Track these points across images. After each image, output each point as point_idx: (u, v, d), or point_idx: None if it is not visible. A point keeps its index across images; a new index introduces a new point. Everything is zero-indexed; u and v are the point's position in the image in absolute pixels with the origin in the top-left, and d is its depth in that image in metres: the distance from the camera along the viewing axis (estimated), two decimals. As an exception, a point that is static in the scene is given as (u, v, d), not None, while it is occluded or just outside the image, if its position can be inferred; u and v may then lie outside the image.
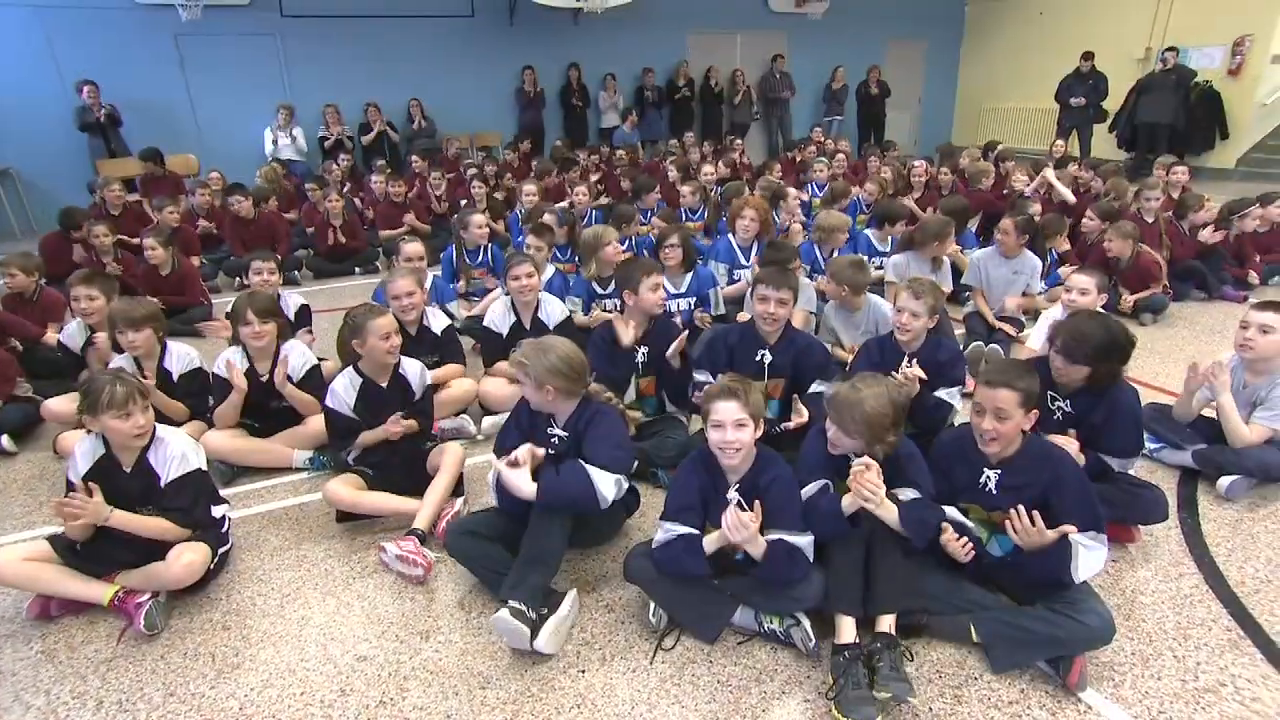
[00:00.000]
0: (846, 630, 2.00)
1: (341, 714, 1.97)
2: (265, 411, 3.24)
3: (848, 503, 2.08)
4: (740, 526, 1.98)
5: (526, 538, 2.21)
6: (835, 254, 4.74)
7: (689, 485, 2.19)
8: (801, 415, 2.84)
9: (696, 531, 2.13)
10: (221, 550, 2.52)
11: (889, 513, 2.05)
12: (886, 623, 2.01)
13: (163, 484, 2.37)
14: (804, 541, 2.07)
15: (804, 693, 1.99)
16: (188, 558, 2.34)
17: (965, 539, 2.09)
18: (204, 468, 2.50)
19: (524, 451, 2.27)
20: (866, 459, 2.08)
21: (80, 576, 2.33)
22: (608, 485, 2.22)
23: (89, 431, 2.37)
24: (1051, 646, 1.98)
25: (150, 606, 2.27)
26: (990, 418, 2.07)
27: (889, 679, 1.85)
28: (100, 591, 2.32)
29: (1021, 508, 2.01)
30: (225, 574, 2.56)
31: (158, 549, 2.36)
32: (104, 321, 3.29)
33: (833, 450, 2.20)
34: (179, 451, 2.41)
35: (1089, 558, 2.00)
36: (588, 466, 2.22)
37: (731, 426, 2.06)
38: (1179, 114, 9.59)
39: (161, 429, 2.43)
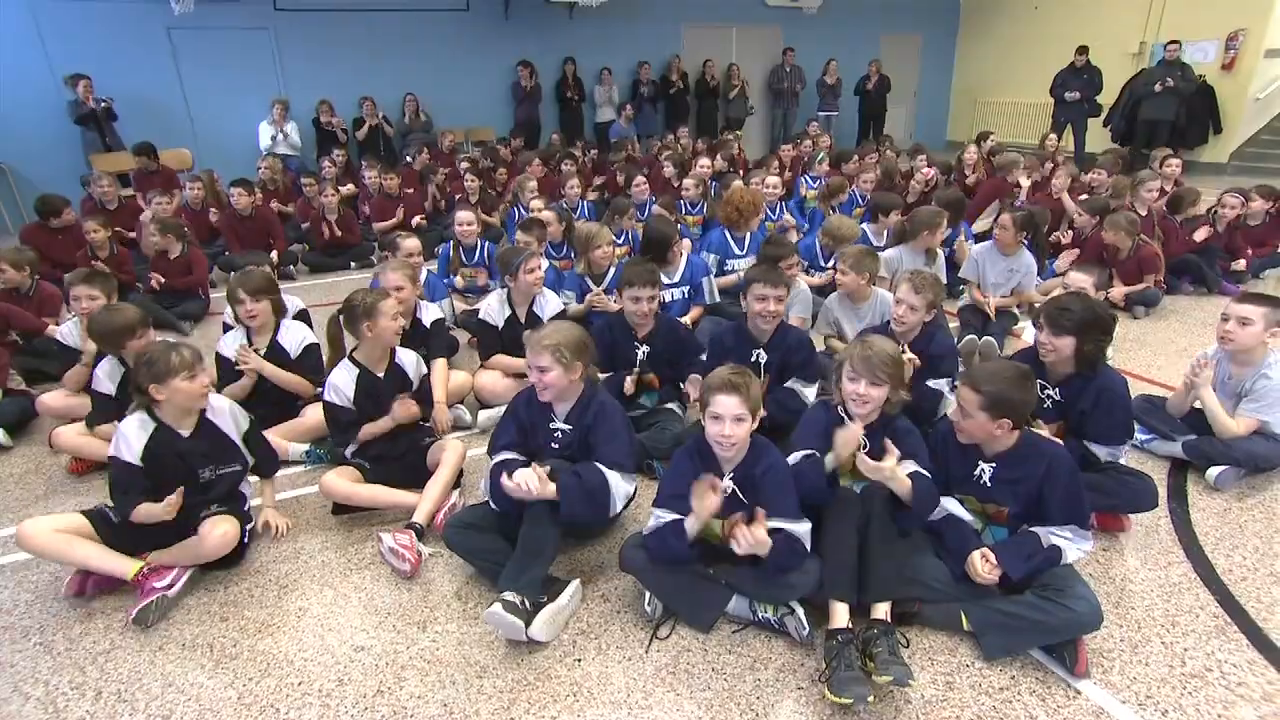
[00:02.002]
0: (840, 615, 2.02)
1: (339, 703, 1.99)
2: (259, 391, 3.29)
3: (830, 461, 2.17)
4: (748, 540, 1.98)
5: (523, 530, 2.23)
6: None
7: (683, 474, 2.20)
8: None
9: (681, 517, 2.14)
10: (247, 527, 2.59)
11: (902, 486, 2.09)
12: (882, 610, 2.03)
13: (236, 439, 2.58)
14: (802, 530, 2.10)
15: (798, 680, 2.01)
16: (222, 529, 2.42)
17: (989, 564, 2.10)
18: None
19: (529, 476, 2.20)
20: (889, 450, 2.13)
21: (106, 551, 2.37)
22: (621, 493, 2.27)
23: (137, 409, 2.43)
24: (1042, 633, 2.01)
25: (153, 601, 2.28)
26: (957, 409, 2.16)
27: (889, 663, 1.86)
28: (126, 566, 2.35)
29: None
30: (223, 566, 2.56)
31: (191, 529, 2.44)
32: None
33: (858, 410, 2.23)
34: (226, 405, 2.60)
35: (1069, 549, 2.07)
36: (607, 473, 2.23)
37: (731, 421, 2.07)
38: (1180, 112, 9.63)
39: None
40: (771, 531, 2.06)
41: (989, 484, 2.19)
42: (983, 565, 2.08)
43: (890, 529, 2.11)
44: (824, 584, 2.08)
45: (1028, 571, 2.06)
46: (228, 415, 2.58)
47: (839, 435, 2.19)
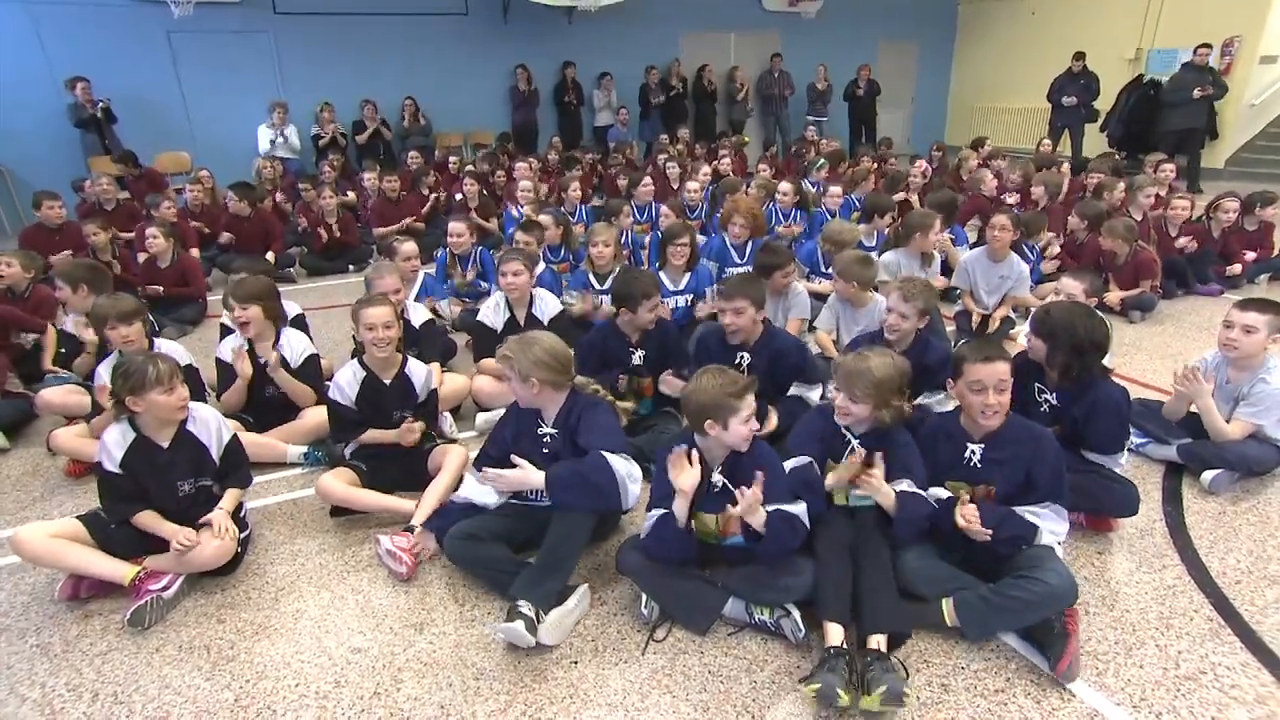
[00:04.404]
0: (834, 635, 2.00)
1: (336, 705, 1.99)
2: (259, 399, 3.28)
3: (831, 481, 2.18)
4: (743, 501, 2.02)
5: (548, 540, 2.20)
6: None
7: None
8: (771, 423, 2.90)
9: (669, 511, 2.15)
10: (243, 535, 2.59)
11: (886, 499, 2.14)
12: (876, 640, 2.00)
13: (214, 454, 2.53)
14: (799, 509, 2.11)
15: (794, 682, 2.01)
16: (219, 539, 2.41)
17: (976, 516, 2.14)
18: None
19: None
20: (873, 459, 2.18)
21: (103, 557, 2.37)
22: (625, 473, 2.20)
23: (117, 418, 2.43)
24: (1019, 610, 2.03)
25: (148, 602, 2.28)
26: (993, 391, 2.15)
27: (882, 672, 1.86)
28: (123, 571, 2.35)
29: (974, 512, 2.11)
30: (219, 573, 2.55)
31: (197, 524, 2.45)
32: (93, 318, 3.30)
33: (841, 420, 2.25)
34: (213, 417, 2.58)
35: (1045, 525, 2.13)
36: (609, 456, 2.19)
37: (754, 418, 2.12)
38: (1211, 119, 9.26)
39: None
40: (770, 511, 2.08)
41: (979, 465, 2.23)
42: (967, 512, 2.12)
43: (883, 561, 2.13)
44: (818, 606, 2.08)
45: (1005, 531, 2.10)
46: (211, 426, 2.56)
47: (839, 469, 2.22)
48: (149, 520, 2.42)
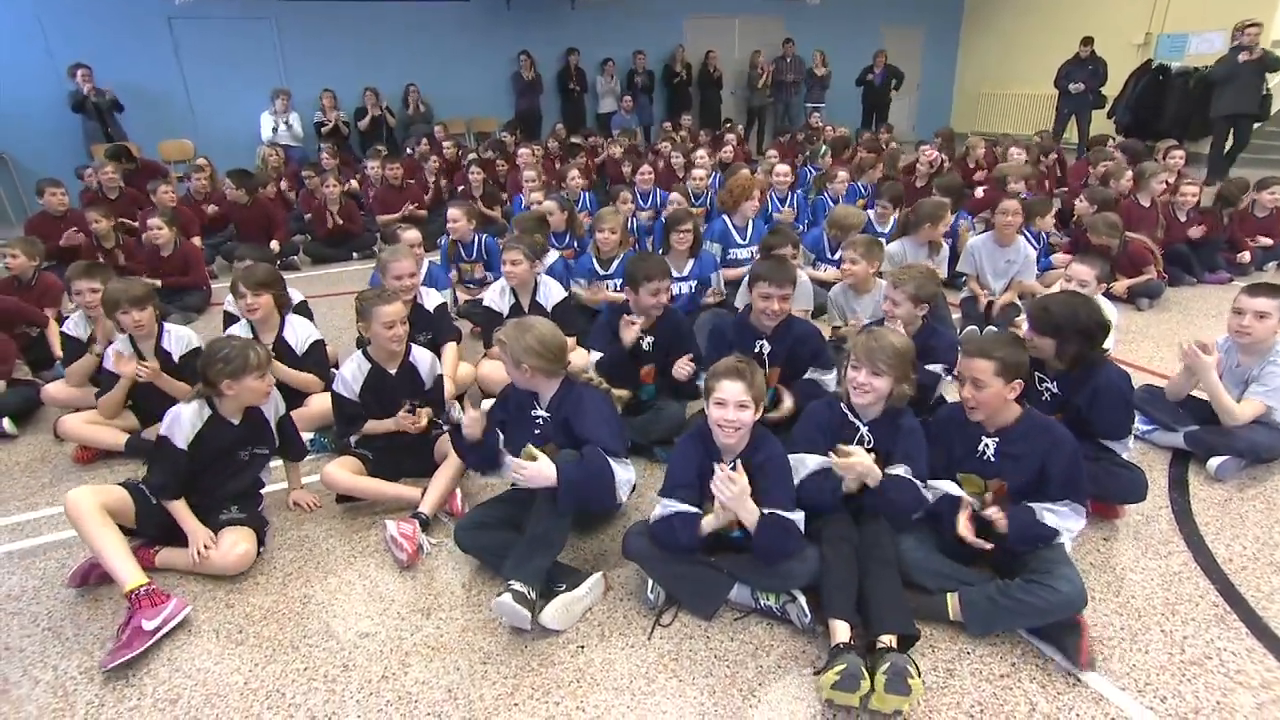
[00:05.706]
0: (841, 632, 1.98)
1: (344, 689, 2.01)
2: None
3: (849, 486, 2.18)
4: (727, 483, 2.01)
5: (532, 517, 2.21)
6: None
7: (687, 462, 2.21)
8: (786, 405, 2.89)
9: (694, 510, 2.15)
10: (265, 528, 2.62)
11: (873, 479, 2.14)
12: (886, 639, 1.97)
13: (273, 425, 2.67)
14: (797, 517, 2.11)
15: (799, 667, 2.03)
16: (243, 547, 2.45)
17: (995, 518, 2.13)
18: None
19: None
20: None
21: (124, 551, 2.26)
22: (622, 480, 2.25)
23: (199, 398, 2.46)
24: (1025, 614, 2.02)
25: (131, 659, 2.09)
26: (969, 385, 2.16)
27: (890, 662, 1.83)
28: (129, 577, 2.22)
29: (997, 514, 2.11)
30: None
31: (212, 521, 2.50)
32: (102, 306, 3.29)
33: (862, 399, 2.23)
34: (273, 393, 2.67)
35: (1063, 524, 2.10)
36: (613, 463, 2.21)
37: (734, 406, 2.09)
38: (1265, 104, 8.51)
39: None
40: (766, 515, 2.07)
41: (993, 459, 2.21)
42: (967, 528, 2.12)
43: (891, 563, 2.12)
44: (824, 605, 2.07)
45: (1026, 539, 2.09)
46: (270, 402, 2.64)
47: (844, 464, 2.17)
48: (179, 510, 2.45)
